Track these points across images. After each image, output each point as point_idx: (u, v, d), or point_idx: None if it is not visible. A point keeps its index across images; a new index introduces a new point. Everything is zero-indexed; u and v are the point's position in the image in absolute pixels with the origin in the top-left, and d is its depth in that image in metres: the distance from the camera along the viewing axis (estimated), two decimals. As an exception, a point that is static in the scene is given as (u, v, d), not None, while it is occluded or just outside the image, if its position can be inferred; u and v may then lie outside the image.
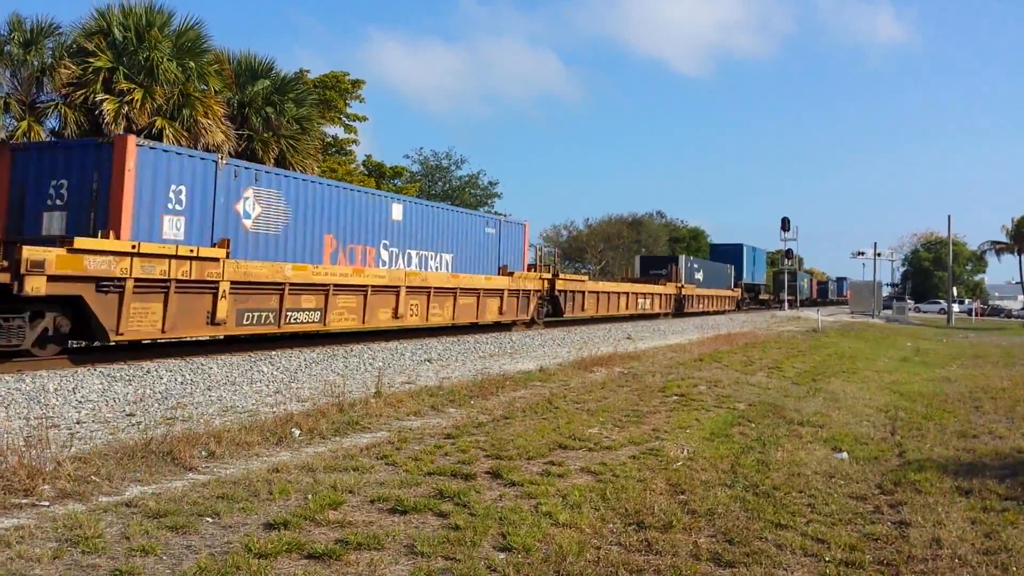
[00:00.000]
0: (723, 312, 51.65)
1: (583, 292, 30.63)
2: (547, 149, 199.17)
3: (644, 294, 38.11)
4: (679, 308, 42.97)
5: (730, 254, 61.31)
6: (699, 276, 48.12)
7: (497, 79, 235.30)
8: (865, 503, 7.11)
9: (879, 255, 74.66)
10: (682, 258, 46.50)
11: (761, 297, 68.43)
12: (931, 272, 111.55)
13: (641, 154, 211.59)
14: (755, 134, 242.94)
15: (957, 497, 7.32)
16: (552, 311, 28.69)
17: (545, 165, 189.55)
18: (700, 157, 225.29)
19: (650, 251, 71.24)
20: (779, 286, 74.21)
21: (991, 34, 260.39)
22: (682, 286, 43.34)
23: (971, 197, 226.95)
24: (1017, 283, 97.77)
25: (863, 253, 76.91)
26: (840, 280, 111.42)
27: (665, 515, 6.22)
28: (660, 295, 40.35)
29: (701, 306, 47.57)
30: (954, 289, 70.69)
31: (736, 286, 57.06)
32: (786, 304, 65.94)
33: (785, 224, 66.65)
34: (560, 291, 28.48)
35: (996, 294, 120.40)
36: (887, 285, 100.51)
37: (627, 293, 35.89)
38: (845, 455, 9.00)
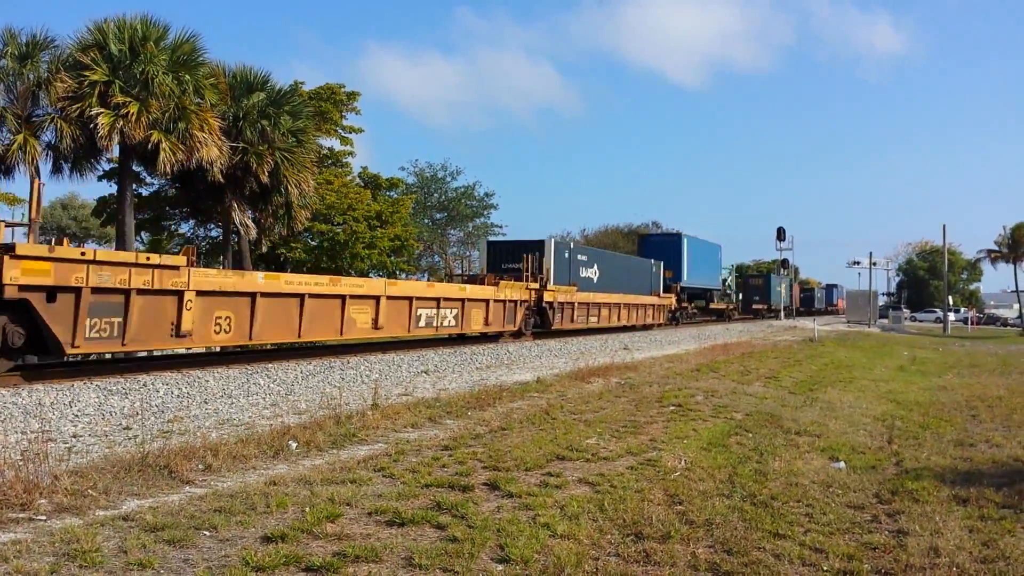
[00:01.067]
0: (648, 327, 38.51)
1: (221, 293, 14.54)
2: (546, 161, 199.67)
3: (443, 301, 21.30)
4: (543, 321, 27.45)
5: (662, 248, 45.67)
6: (590, 274, 32.75)
7: (496, 91, 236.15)
8: (863, 512, 7.11)
9: (874, 264, 74.91)
10: (550, 243, 29.92)
11: (714, 306, 55.02)
12: (926, 281, 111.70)
13: (639, 165, 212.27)
14: (752, 145, 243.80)
15: (954, 506, 7.33)
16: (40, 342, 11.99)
17: (544, 177, 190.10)
18: (698, 168, 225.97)
19: None
20: (752, 293, 65.52)
21: (987, 41, 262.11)
22: (544, 287, 27.23)
23: (966, 206, 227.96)
24: (1012, 291, 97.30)
25: (858, 262, 77.21)
26: (830, 288, 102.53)
27: (663, 525, 6.22)
28: (490, 303, 23.49)
29: (593, 319, 31.46)
30: (950, 298, 70.80)
31: (668, 291, 42.63)
32: (782, 313, 65.22)
33: (780, 234, 66.79)
34: (45, 288, 11.67)
35: (992, 303, 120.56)
36: (883, 294, 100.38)
37: (376, 298, 18.65)
38: (842, 464, 9.00)
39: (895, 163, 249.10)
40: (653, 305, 39.20)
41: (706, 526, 6.32)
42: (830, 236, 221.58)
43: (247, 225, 29.33)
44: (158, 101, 23.85)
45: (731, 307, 60.15)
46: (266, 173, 27.52)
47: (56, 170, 25.29)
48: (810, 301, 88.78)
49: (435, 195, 58.29)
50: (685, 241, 46.87)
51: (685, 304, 47.18)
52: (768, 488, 7.66)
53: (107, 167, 29.96)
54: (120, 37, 24.01)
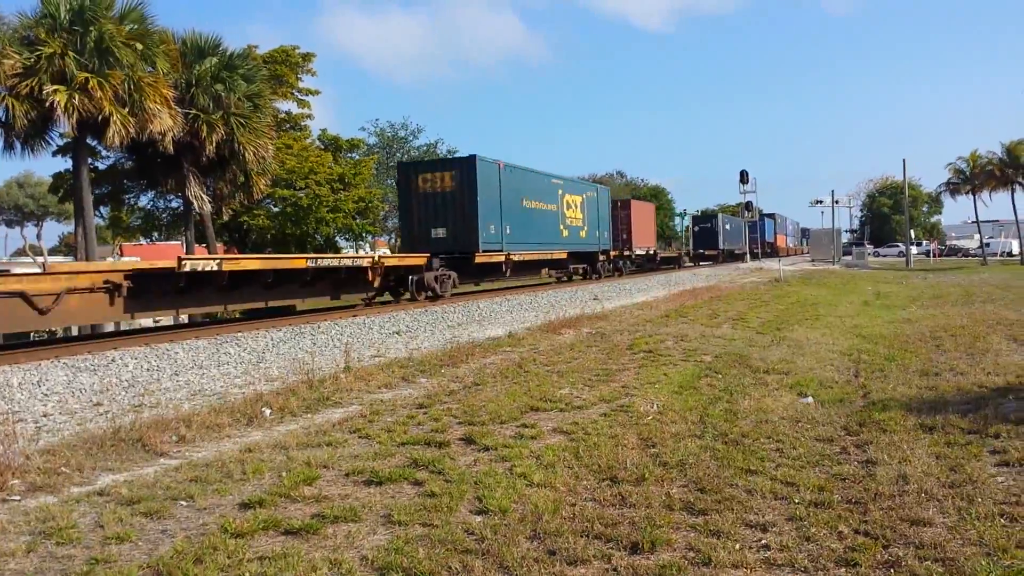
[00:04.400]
0: None
1: None
2: (516, 112, 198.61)
3: None
4: None
5: None
6: None
7: (459, 43, 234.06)
8: (832, 445, 7.24)
9: (837, 202, 75.32)
10: None
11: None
12: (889, 216, 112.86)
13: (606, 113, 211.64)
14: (718, 87, 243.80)
15: (921, 434, 7.47)
16: None
17: (514, 128, 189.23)
18: (664, 113, 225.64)
19: None
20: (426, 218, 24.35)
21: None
22: None
23: (927, 140, 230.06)
24: (973, 222, 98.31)
25: (821, 201, 77.48)
26: (766, 219, 73.54)
27: (637, 469, 6.30)
28: None
29: None
30: (912, 232, 71.52)
31: None
32: (747, 256, 65.04)
33: (744, 177, 66.61)
34: None
35: (953, 234, 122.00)
36: (846, 231, 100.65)
37: None
38: (810, 399, 9.15)
39: (858, 99, 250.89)
40: None
41: (679, 467, 6.42)
42: (794, 176, 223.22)
43: (201, 197, 28.83)
44: (121, 72, 23.38)
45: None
46: (218, 141, 27.09)
47: (8, 147, 24.76)
48: (710, 237, 55.37)
49: (398, 155, 57.79)
50: None
51: None
52: (739, 426, 7.78)
53: (60, 142, 29.34)
54: (70, 6, 23.41)
